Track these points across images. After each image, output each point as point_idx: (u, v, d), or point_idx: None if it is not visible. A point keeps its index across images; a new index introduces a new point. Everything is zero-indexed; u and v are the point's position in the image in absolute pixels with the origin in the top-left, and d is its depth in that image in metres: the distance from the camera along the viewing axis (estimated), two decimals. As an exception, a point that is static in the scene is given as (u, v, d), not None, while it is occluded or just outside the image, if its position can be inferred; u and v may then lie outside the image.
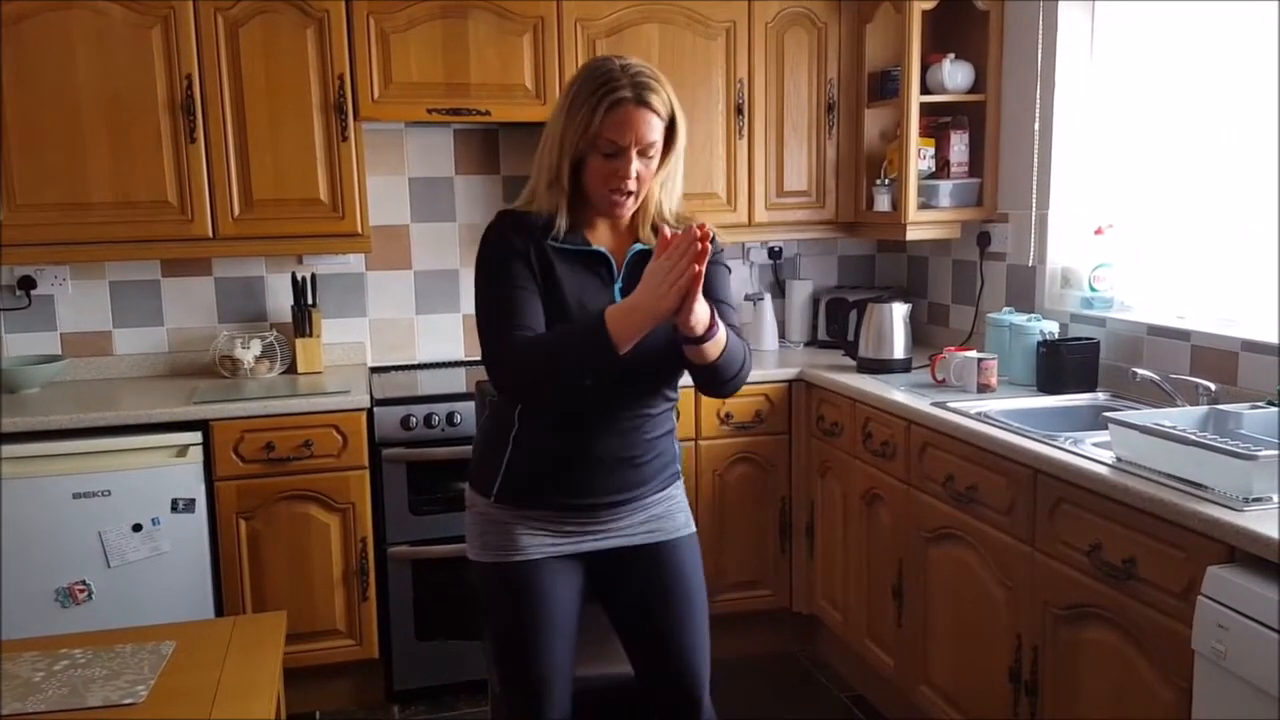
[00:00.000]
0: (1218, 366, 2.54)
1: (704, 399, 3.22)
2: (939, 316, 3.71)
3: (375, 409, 3.02)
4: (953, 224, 3.40)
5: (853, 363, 3.33)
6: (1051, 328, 2.94)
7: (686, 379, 1.87)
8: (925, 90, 3.28)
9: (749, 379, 1.89)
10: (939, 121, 3.41)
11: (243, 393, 3.07)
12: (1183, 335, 2.66)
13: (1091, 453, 2.18)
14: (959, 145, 3.38)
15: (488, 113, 3.21)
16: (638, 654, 1.99)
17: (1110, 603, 2.04)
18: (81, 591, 2.82)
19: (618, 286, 1.85)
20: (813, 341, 3.84)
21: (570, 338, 1.74)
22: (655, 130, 1.76)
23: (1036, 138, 3.14)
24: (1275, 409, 2.24)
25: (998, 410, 2.60)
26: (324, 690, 3.15)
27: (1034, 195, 3.18)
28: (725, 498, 3.33)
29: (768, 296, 3.75)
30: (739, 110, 3.44)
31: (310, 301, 3.39)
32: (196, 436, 2.88)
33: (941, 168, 3.40)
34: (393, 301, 3.59)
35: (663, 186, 1.86)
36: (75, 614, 2.80)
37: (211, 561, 2.93)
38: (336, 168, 3.13)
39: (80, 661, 2.18)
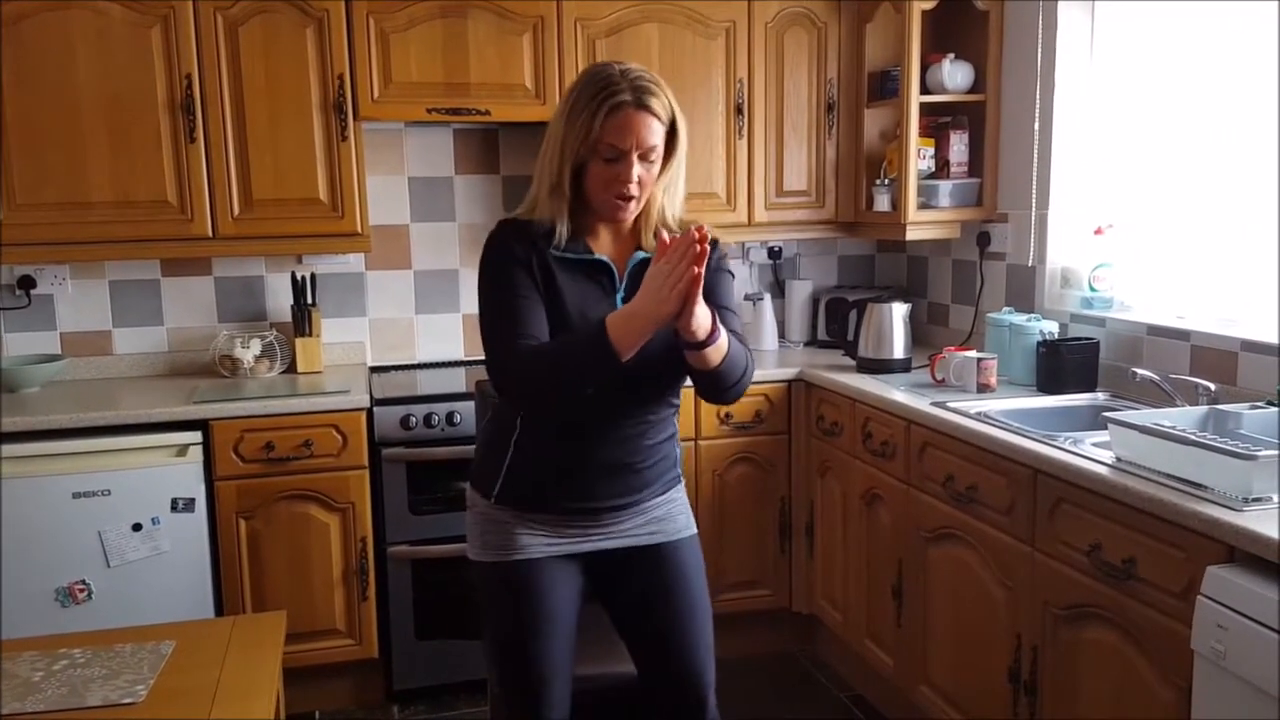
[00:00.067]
0: (1217, 366, 2.54)
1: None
2: (939, 316, 3.71)
3: (375, 409, 3.03)
4: (952, 224, 3.40)
5: (852, 363, 3.33)
6: (1051, 328, 2.94)
7: (687, 382, 1.87)
8: (925, 90, 3.28)
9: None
10: (939, 121, 3.41)
11: (242, 392, 3.07)
12: (1182, 335, 2.66)
13: (1091, 453, 2.18)
14: (959, 145, 3.37)
15: (487, 112, 3.21)
16: (640, 655, 1.99)
17: (1110, 603, 2.04)
18: (81, 591, 2.82)
19: (619, 295, 1.84)
20: (812, 341, 3.84)
21: (573, 346, 1.73)
22: (656, 134, 1.76)
23: (1036, 138, 3.14)
24: (1275, 409, 2.24)
25: (997, 410, 2.60)
26: (324, 690, 3.15)
27: (1034, 195, 3.18)
28: (725, 498, 3.33)
29: (767, 296, 3.75)
30: (739, 110, 3.44)
31: (310, 301, 3.38)
32: (196, 436, 2.88)
33: (941, 168, 3.40)
34: (392, 301, 3.59)
35: (665, 192, 1.86)
36: (75, 614, 2.80)
37: (211, 561, 2.93)
38: (336, 167, 3.13)
39: (80, 661, 2.18)
